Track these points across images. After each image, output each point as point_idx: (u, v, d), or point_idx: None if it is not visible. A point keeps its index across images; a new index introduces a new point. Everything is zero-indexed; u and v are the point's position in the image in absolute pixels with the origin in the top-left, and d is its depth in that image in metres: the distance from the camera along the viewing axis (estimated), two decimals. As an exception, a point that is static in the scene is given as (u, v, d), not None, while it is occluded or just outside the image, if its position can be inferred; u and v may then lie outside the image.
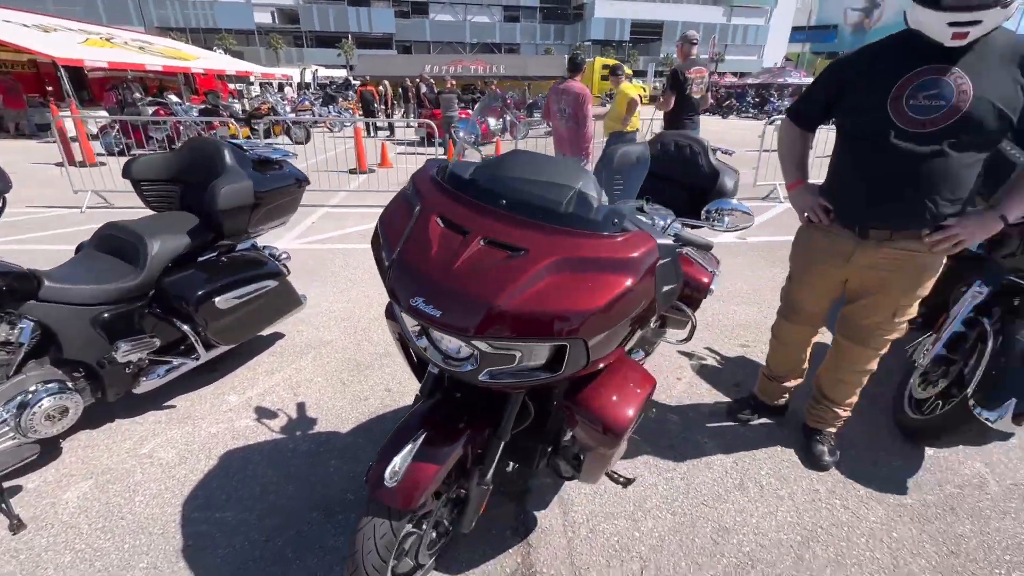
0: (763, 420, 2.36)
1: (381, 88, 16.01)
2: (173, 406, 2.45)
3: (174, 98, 11.77)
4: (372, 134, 13.66)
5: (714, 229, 1.45)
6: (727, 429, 2.32)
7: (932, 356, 2.15)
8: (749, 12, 57.14)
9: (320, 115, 16.48)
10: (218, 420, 2.36)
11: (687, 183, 2.49)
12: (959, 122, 1.45)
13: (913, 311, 1.79)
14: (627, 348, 1.66)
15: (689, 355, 2.96)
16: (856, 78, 1.64)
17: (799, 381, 2.26)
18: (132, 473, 2.04)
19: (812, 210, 1.81)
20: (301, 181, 2.80)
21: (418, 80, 14.55)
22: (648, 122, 6.00)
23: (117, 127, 9.90)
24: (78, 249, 2.39)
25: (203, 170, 2.42)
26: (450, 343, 1.22)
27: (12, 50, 13.24)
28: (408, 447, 1.26)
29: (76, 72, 14.95)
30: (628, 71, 6.20)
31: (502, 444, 1.43)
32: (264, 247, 2.88)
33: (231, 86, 24.79)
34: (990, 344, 1.92)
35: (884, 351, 1.87)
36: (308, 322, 3.30)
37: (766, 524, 1.82)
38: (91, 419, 2.26)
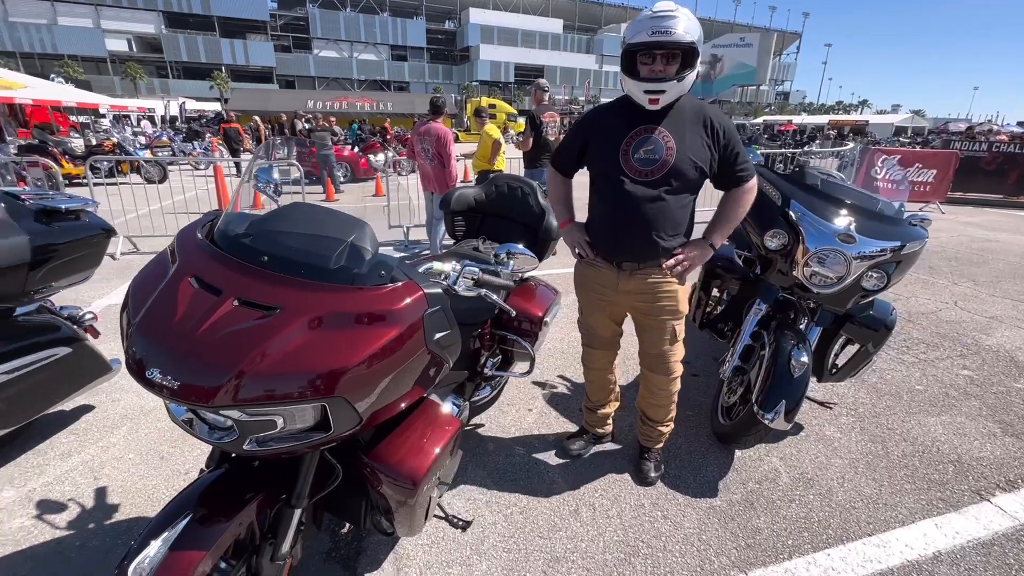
0: (598, 448, 2.49)
1: (251, 124, 15.14)
2: (-84, 515, 1.98)
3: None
4: (238, 173, 12.73)
5: (500, 271, 1.54)
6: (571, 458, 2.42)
7: (731, 367, 2.45)
8: (617, 61, 63.72)
9: (181, 151, 15.15)
10: (-15, 527, 1.94)
11: (521, 221, 2.66)
12: (670, 172, 1.76)
13: (681, 331, 2.04)
14: (443, 388, 1.67)
15: (542, 384, 3.07)
16: (595, 134, 1.92)
17: (616, 405, 2.44)
18: None
19: (580, 245, 2.03)
20: (107, 231, 2.50)
21: (292, 117, 14.00)
22: (512, 161, 6.31)
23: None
24: None
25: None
26: (214, 414, 1.12)
27: None
28: (163, 537, 1.12)
29: None
30: (504, 110, 6.50)
31: (298, 512, 1.34)
32: (62, 308, 2.50)
33: (73, 118, 21.86)
34: (767, 353, 2.24)
35: (678, 373, 2.10)
36: (127, 389, 2.90)
37: (594, 547, 1.90)
38: None
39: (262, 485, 1.31)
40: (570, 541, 1.92)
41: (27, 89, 17.90)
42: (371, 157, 12.94)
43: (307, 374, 1.03)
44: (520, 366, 2.56)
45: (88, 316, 2.54)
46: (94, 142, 12.80)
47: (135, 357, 1.05)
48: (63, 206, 2.34)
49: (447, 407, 1.79)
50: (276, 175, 1.63)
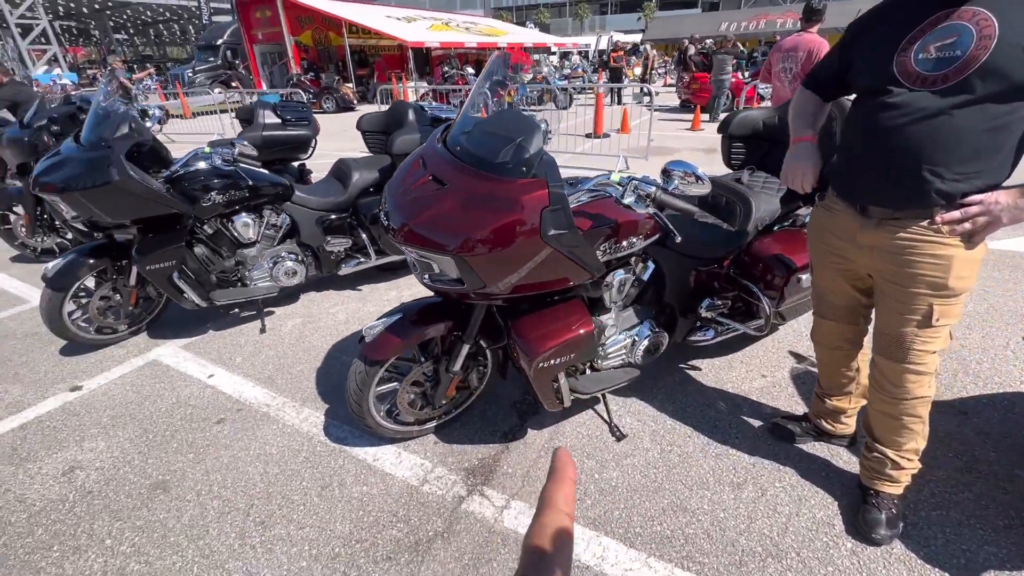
0: (821, 448, 1.97)
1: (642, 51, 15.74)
2: (359, 289, 3.57)
3: (471, 70, 14.33)
4: (617, 101, 13.76)
5: (663, 187, 1.44)
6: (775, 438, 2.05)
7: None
8: None
9: (590, 81, 17.42)
10: (377, 303, 3.35)
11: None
12: (978, 73, 1.10)
13: (955, 314, 1.31)
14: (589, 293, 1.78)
15: (798, 356, 2.54)
16: (866, 34, 1.33)
17: (858, 402, 1.81)
18: (321, 320, 3.17)
19: (800, 174, 1.49)
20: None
21: (686, 42, 13.77)
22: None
23: (430, 94, 12.85)
24: (331, 176, 3.66)
25: (396, 124, 3.33)
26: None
27: (386, 38, 18.21)
28: (387, 319, 1.78)
29: (427, 52, 19.56)
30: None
31: (466, 347, 1.82)
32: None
33: (534, 57, 28.12)
34: None
35: (928, 369, 1.40)
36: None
37: (734, 532, 1.68)
38: (315, 285, 3.54)
39: (451, 318, 1.82)
40: (713, 509, 1.75)
41: (506, 36, 24.01)
42: (759, 85, 11.58)
43: (443, 233, 1.39)
44: (755, 323, 2.24)
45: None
46: (530, 76, 16.23)
47: (383, 207, 1.64)
48: (444, 115, 3.39)
49: (607, 318, 1.88)
50: (526, 90, 1.94)
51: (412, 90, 14.05)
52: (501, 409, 2.29)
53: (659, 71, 16.50)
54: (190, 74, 19.60)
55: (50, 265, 2.60)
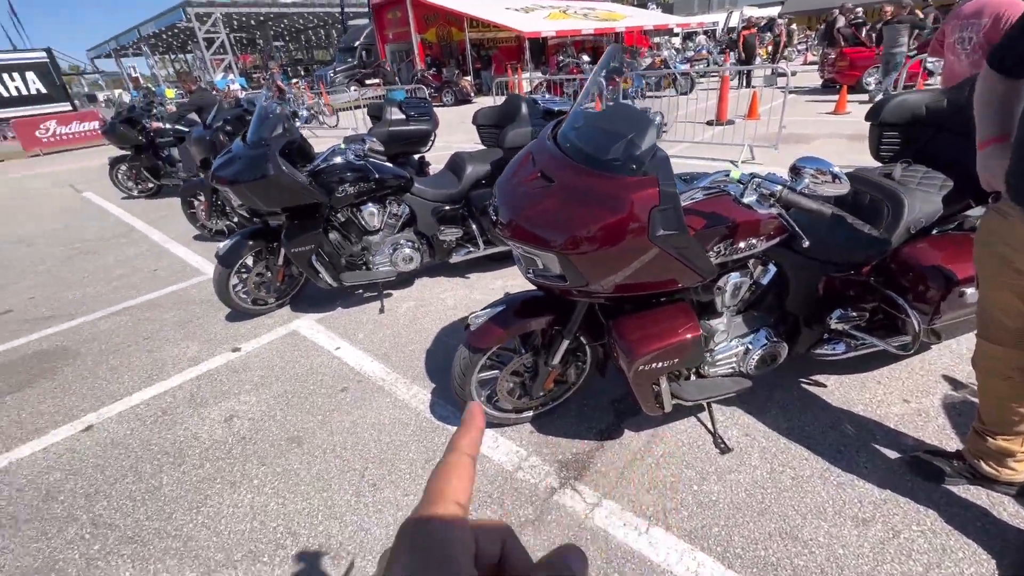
0: (976, 493, 1.66)
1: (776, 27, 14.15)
2: (467, 277, 3.75)
3: (586, 58, 14.08)
4: (746, 84, 12.50)
5: (791, 187, 1.30)
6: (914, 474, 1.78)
7: None
8: None
9: (715, 63, 16.16)
10: (483, 293, 3.50)
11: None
12: None
13: None
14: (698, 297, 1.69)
15: (954, 383, 2.16)
16: None
17: (1021, 447, 1.49)
18: (431, 304, 3.40)
19: (993, 177, 1.22)
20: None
21: (835, 12, 12.06)
22: None
23: (544, 85, 12.90)
24: (447, 168, 3.87)
25: (508, 118, 3.41)
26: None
27: (504, 29, 18.57)
28: (491, 309, 1.86)
29: (543, 42, 19.65)
30: None
31: (566, 342, 1.84)
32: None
33: (653, 40, 26.82)
34: None
35: None
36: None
37: (851, 568, 1.50)
38: (427, 271, 3.79)
39: (553, 312, 1.85)
40: (830, 542, 1.58)
41: (625, 20, 23.15)
42: (927, 59, 9.85)
43: (548, 230, 1.41)
44: (899, 340, 1.96)
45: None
46: (648, 61, 15.49)
47: (492, 201, 1.71)
48: (556, 107, 3.40)
49: (717, 323, 1.77)
50: (642, 81, 1.87)
51: (527, 81, 14.21)
52: (599, 406, 2.27)
53: (798, 48, 14.74)
54: (331, 74, 21.85)
55: (221, 245, 3.11)
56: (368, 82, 17.82)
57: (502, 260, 3.87)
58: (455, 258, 3.57)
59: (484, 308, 1.93)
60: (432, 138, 4.07)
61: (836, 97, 8.94)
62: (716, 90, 8.74)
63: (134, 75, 34.43)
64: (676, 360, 1.58)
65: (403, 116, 3.98)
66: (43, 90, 16.91)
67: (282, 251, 3.19)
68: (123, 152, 6.97)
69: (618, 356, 1.65)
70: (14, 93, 16.47)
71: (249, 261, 3.27)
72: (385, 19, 20.18)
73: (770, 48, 16.21)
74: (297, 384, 2.66)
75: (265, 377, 2.75)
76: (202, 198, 4.83)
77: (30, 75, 16.70)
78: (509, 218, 1.51)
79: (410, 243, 3.39)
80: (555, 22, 19.46)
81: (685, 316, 1.60)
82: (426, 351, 2.86)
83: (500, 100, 4.62)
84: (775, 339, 1.90)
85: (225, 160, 2.86)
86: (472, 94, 16.26)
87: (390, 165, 3.26)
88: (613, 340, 1.63)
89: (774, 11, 34.17)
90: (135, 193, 7.27)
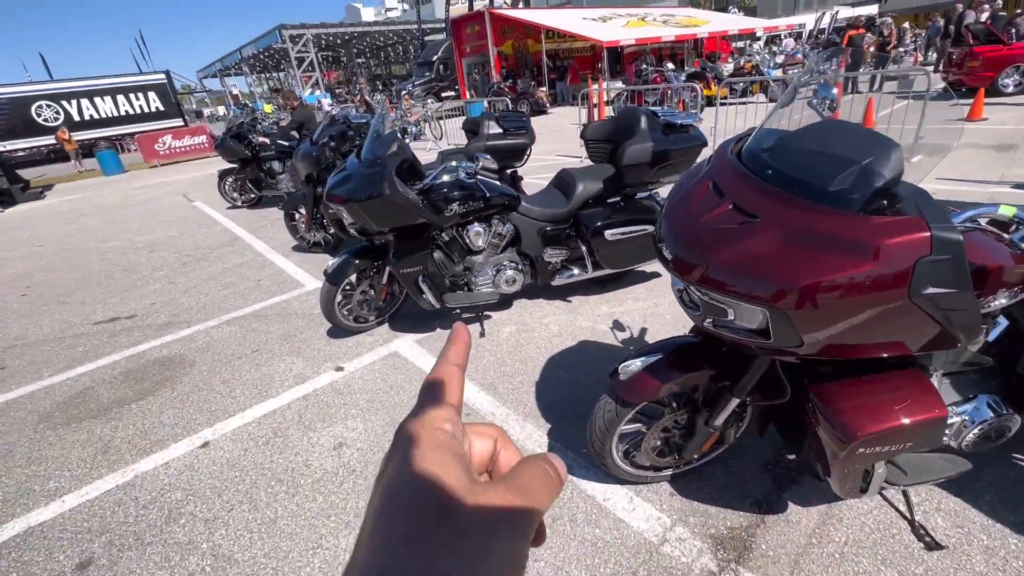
0: None
1: (885, 26, 12.82)
2: (569, 300, 3.52)
3: (670, 66, 13.53)
4: (853, 89, 11.35)
5: None
6: None
7: None
8: None
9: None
10: (588, 319, 3.25)
11: None
12: None
13: None
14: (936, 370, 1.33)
15: None
16: None
17: None
18: (534, 330, 3.20)
19: None
20: (702, 144, 3.14)
21: (959, 6, 10.72)
22: None
23: (625, 95, 12.53)
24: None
25: (624, 132, 3.16)
26: (689, 289, 1.42)
27: (582, 39, 18.36)
28: (645, 358, 1.61)
29: (620, 51, 19.28)
30: None
31: (734, 401, 1.55)
32: (652, 197, 3.45)
33: (734, 45, 25.53)
34: None
35: None
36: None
37: None
38: (527, 292, 3.60)
39: (719, 366, 1.56)
40: None
41: (707, 25, 22.24)
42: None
43: (758, 279, 1.13)
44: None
45: (673, 208, 3.40)
46: (737, 64, 14.66)
47: (658, 234, 1.47)
48: (679, 121, 3.11)
49: (950, 394, 1.42)
50: (834, 90, 1.56)
51: (607, 91, 13.88)
52: (748, 468, 1.95)
53: (908, 48, 13.35)
54: (410, 87, 22.69)
55: (330, 263, 3.09)
56: (444, 95, 18.26)
57: (605, 283, 3.62)
58: (558, 280, 3.36)
59: (636, 355, 1.68)
60: (528, 152, 3.91)
61: (970, 101, 7.88)
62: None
63: (234, 92, 37.74)
64: (909, 444, 1.25)
65: (501, 130, 3.85)
66: (161, 107, 18.85)
67: (387, 269, 3.13)
68: (231, 165, 7.44)
69: (820, 432, 1.34)
70: (137, 111, 18.48)
71: (353, 278, 3.23)
72: (463, 33, 20.63)
73: (872, 48, 14.81)
74: (403, 411, 2.53)
75: (371, 402, 2.66)
76: (303, 211, 4.97)
77: (151, 95, 18.68)
78: (695, 261, 1.26)
79: (513, 264, 3.22)
80: (634, 30, 18.98)
81: (921, 387, 1.26)
82: (535, 384, 2.66)
83: (582, 110, 4.35)
84: (1004, 410, 1.50)
85: (340, 179, 2.83)
86: (548, 104, 16.15)
87: (499, 183, 3.11)
88: (818, 410, 1.32)
89: (871, 9, 31.54)
90: (239, 203, 7.74)
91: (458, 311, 3.46)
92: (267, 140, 6.77)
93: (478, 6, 25.26)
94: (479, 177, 2.95)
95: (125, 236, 7.02)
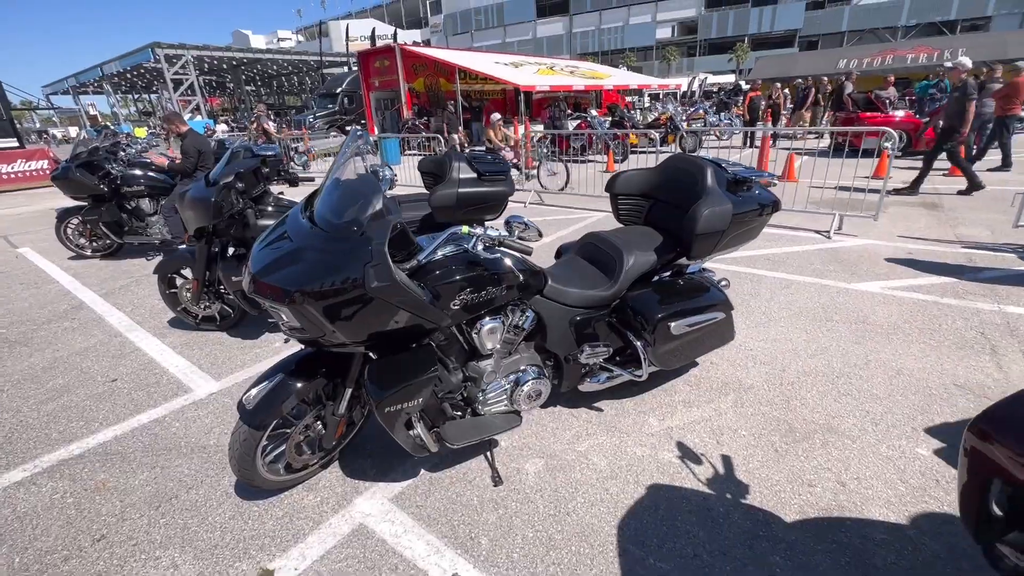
0: None
1: (768, 93, 14.39)
2: (600, 410, 2.56)
3: (594, 112, 13.68)
4: (749, 144, 12.45)
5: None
6: None
7: None
8: None
9: (712, 123, 16.22)
10: (641, 443, 2.32)
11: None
12: None
13: None
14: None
15: None
16: None
17: None
18: (572, 468, 2.19)
19: None
20: (772, 205, 2.46)
21: (842, 79, 12.21)
22: None
23: (549, 138, 12.27)
24: (559, 253, 2.76)
25: (681, 189, 2.38)
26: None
27: (499, 82, 18.24)
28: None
29: (528, 95, 19.47)
30: None
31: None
32: (703, 271, 2.70)
33: (627, 99, 27.46)
34: None
35: None
36: (721, 355, 3.00)
37: None
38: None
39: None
40: None
41: (610, 78, 23.60)
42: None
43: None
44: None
45: (724, 283, 2.65)
46: (650, 118, 15.33)
47: None
48: (747, 176, 2.40)
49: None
50: None
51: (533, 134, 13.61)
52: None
53: (785, 113, 15.00)
54: (311, 119, 20.90)
55: (252, 394, 1.82)
56: (348, 128, 16.88)
57: (636, 383, 2.72)
58: (587, 386, 2.42)
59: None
60: (505, 204, 2.99)
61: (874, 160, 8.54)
62: (721, 148, 8.20)
63: (92, 112, 32.40)
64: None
65: (475, 174, 2.88)
66: (-16, 124, 15.02)
67: (347, 392, 1.94)
68: (77, 202, 5.55)
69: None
70: (-52, 126, 14.53)
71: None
72: (372, 67, 19.57)
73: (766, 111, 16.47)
74: None
75: (340, 668, 1.45)
76: (190, 275, 3.51)
77: (-31, 107, 14.85)
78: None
79: (535, 368, 2.22)
80: (546, 77, 19.35)
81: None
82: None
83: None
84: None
85: (276, 256, 1.63)
86: (467, 144, 15.53)
87: (520, 255, 2.12)
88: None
89: (730, 77, 36.29)
90: (88, 252, 5.79)
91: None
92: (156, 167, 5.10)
93: (381, 44, 24.44)
94: (502, 250, 1.94)
95: None
